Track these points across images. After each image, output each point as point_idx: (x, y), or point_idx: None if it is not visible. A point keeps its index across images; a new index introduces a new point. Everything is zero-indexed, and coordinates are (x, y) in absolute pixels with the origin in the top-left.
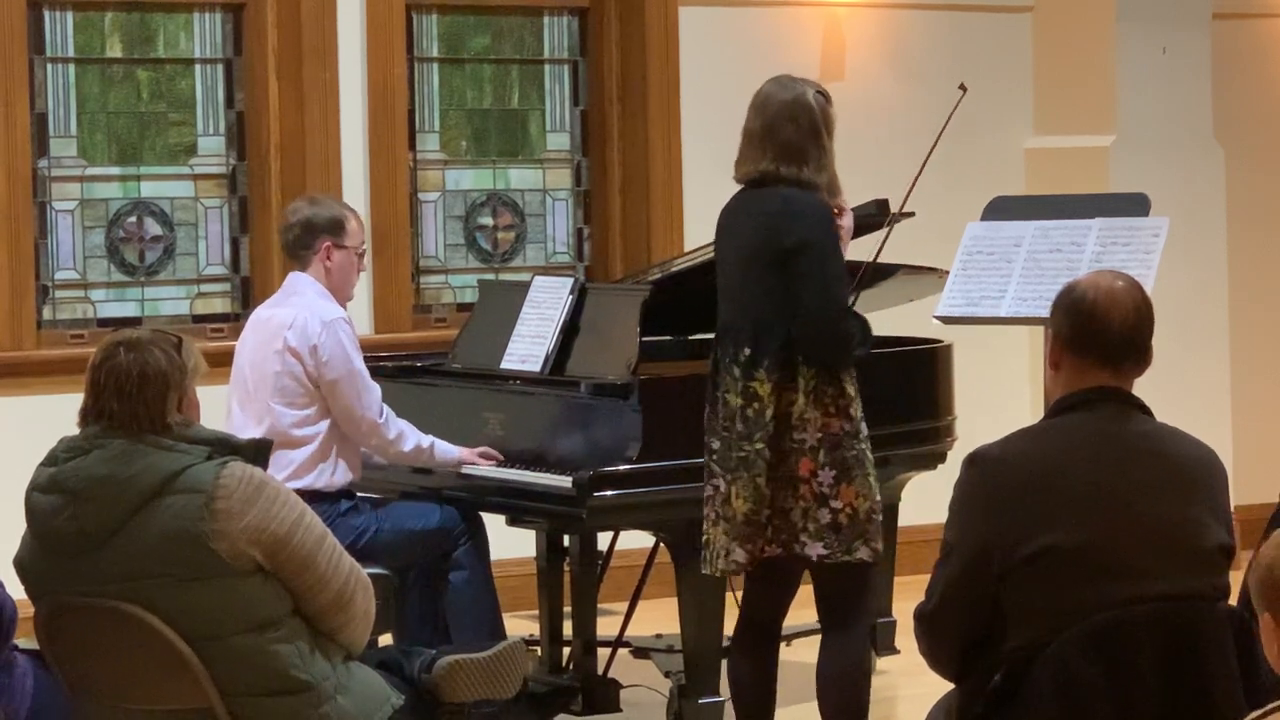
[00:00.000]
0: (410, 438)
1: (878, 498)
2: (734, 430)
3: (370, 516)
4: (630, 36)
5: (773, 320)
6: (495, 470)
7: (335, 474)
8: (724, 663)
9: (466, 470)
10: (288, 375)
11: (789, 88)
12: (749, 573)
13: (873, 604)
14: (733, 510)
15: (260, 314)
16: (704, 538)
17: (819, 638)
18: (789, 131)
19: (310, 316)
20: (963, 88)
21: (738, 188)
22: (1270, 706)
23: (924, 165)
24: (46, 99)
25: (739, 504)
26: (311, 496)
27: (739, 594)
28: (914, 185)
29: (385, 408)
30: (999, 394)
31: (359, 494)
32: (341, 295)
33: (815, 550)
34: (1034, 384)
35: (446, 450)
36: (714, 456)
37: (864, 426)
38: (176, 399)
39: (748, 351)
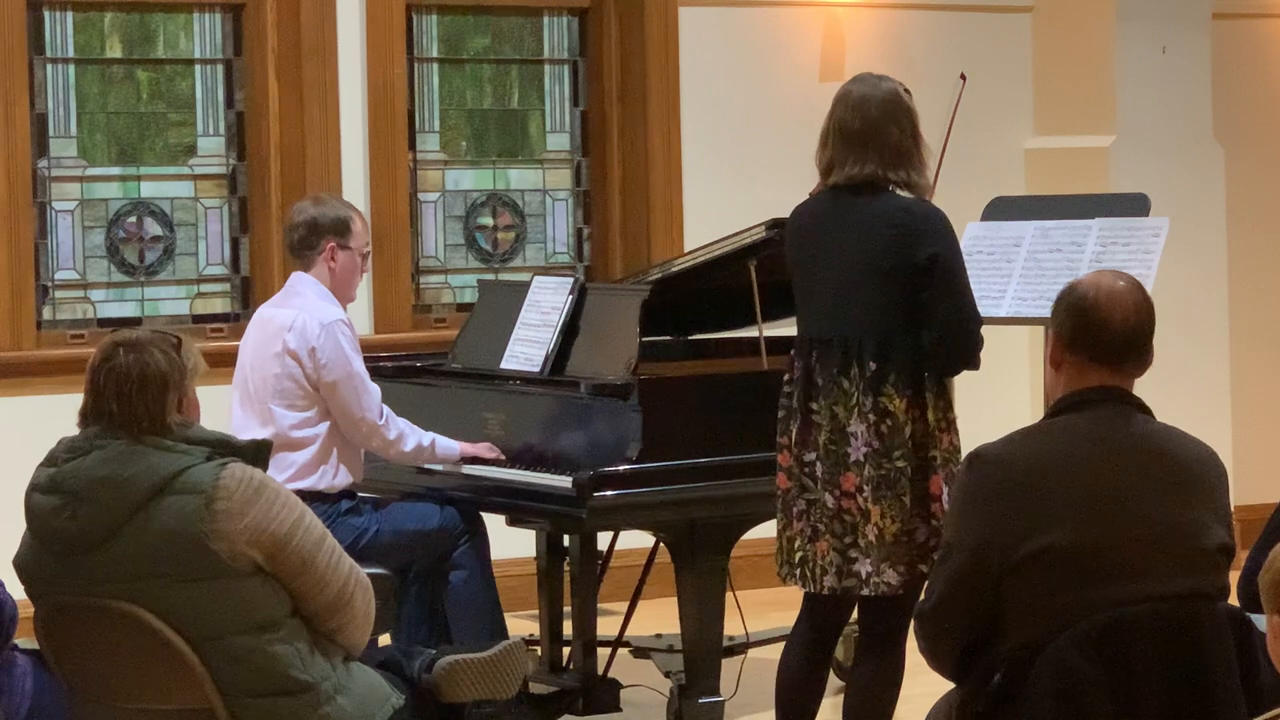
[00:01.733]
0: (411, 437)
1: None
2: (852, 445)
3: (371, 517)
4: (630, 36)
5: (900, 334)
6: (495, 470)
7: (337, 476)
8: (724, 663)
9: (467, 470)
10: (287, 378)
11: (879, 86)
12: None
13: None
14: (880, 530)
15: (262, 313)
16: (796, 555)
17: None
18: (893, 133)
19: (309, 319)
20: (963, 77)
21: (737, 188)
22: (1274, 712)
23: (940, 161)
24: (46, 99)
25: (887, 525)
26: (312, 497)
27: (739, 594)
28: (935, 181)
29: (385, 409)
30: (999, 394)
31: (359, 494)
32: (344, 296)
33: None
34: (1034, 384)
35: (448, 446)
36: (807, 470)
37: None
38: (176, 399)
39: (873, 366)
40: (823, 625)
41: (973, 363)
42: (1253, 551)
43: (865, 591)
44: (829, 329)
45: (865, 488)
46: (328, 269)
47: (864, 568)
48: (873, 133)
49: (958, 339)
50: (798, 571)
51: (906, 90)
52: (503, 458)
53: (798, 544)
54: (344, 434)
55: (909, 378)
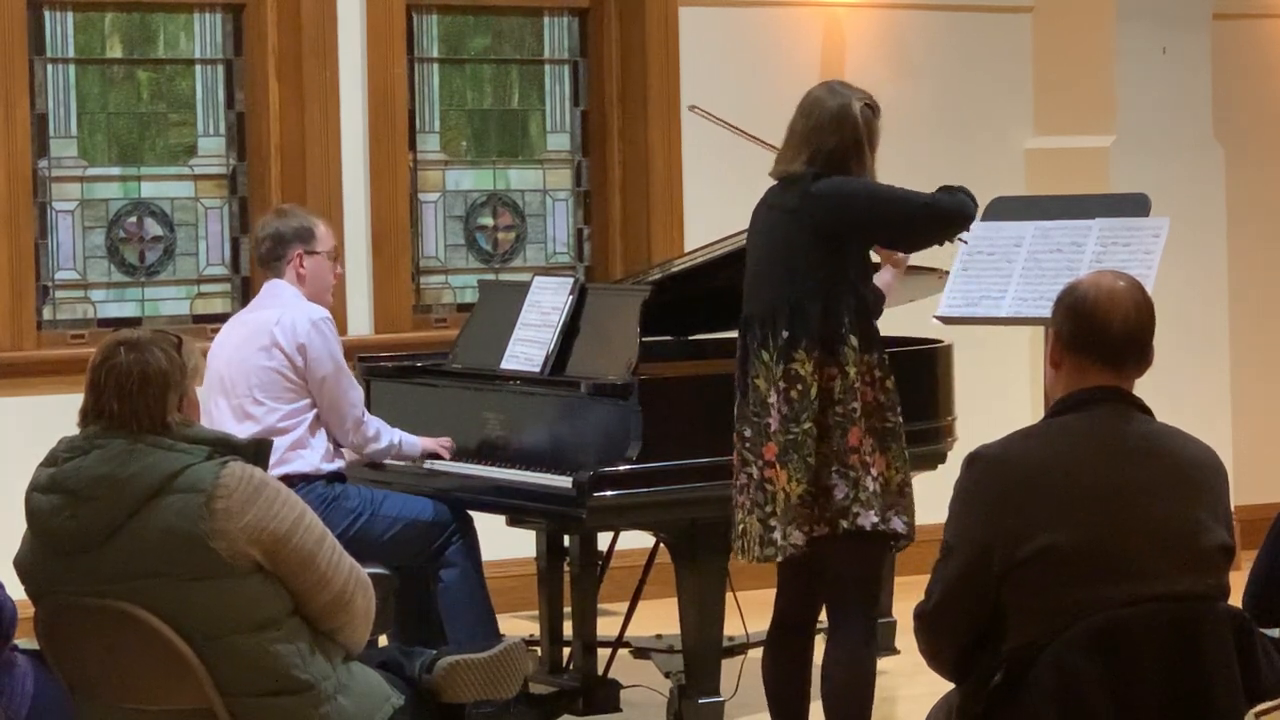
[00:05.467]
0: (385, 435)
1: (909, 474)
2: (771, 415)
3: (364, 502)
4: (630, 36)
5: (810, 299)
6: (495, 470)
7: (321, 454)
8: (724, 663)
9: (468, 470)
10: (274, 371)
11: (838, 94)
12: (781, 567)
13: (880, 599)
14: (786, 494)
15: (241, 317)
16: (739, 527)
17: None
18: (831, 141)
19: (298, 315)
20: (692, 108)
21: (737, 188)
22: (1266, 705)
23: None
24: (47, 99)
25: (793, 487)
26: (301, 478)
27: (739, 594)
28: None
29: (363, 405)
30: (999, 394)
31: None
32: (320, 300)
33: (869, 519)
34: (1034, 384)
35: (412, 443)
36: (746, 444)
37: (897, 400)
38: (177, 399)
39: (785, 334)
40: (785, 615)
41: (958, 223)
42: (1255, 565)
43: (779, 558)
44: (752, 307)
45: (779, 454)
46: (297, 275)
47: (777, 535)
48: (810, 136)
49: (918, 236)
50: (739, 544)
51: (869, 106)
52: (452, 448)
53: (739, 516)
54: (326, 426)
55: (819, 338)
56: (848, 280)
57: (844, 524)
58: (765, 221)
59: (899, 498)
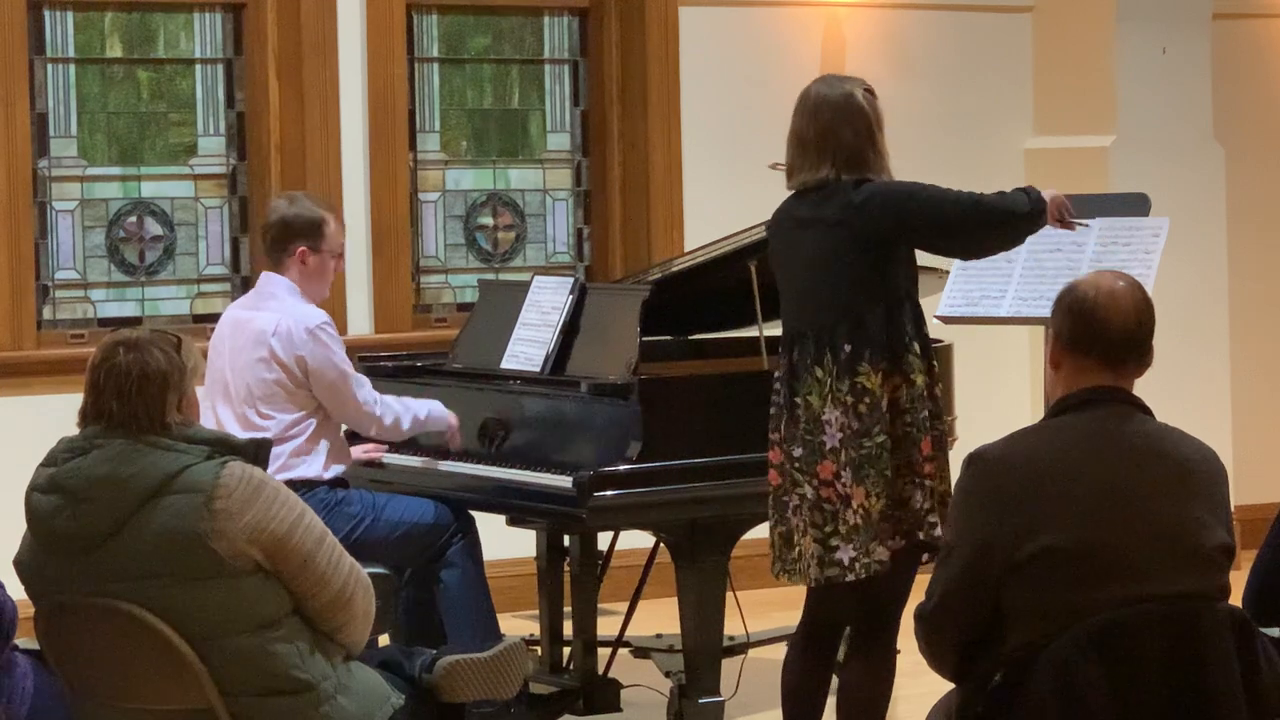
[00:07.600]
0: (405, 418)
1: (951, 485)
2: (826, 432)
3: (366, 507)
4: (630, 36)
5: (869, 311)
6: (495, 470)
7: (323, 461)
8: (724, 663)
9: (468, 470)
10: (275, 384)
11: (837, 87)
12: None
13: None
14: (866, 510)
15: (237, 315)
16: (795, 550)
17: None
18: (847, 136)
19: (294, 324)
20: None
21: (737, 188)
22: None
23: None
24: (47, 99)
25: (873, 503)
26: (304, 484)
27: (739, 594)
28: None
29: (375, 394)
30: (999, 394)
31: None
32: (316, 297)
33: (941, 529)
34: (1034, 384)
35: (439, 414)
36: (796, 465)
37: (945, 406)
38: (176, 399)
39: (847, 348)
40: (817, 622)
41: (1008, 223)
42: (1256, 565)
43: (849, 578)
44: (803, 323)
45: (844, 472)
46: (298, 272)
47: (846, 554)
48: (825, 139)
49: (968, 239)
50: (795, 567)
51: (869, 91)
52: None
53: (795, 539)
54: (343, 423)
55: (884, 350)
56: (903, 287)
57: (920, 535)
58: (800, 237)
59: (942, 507)
